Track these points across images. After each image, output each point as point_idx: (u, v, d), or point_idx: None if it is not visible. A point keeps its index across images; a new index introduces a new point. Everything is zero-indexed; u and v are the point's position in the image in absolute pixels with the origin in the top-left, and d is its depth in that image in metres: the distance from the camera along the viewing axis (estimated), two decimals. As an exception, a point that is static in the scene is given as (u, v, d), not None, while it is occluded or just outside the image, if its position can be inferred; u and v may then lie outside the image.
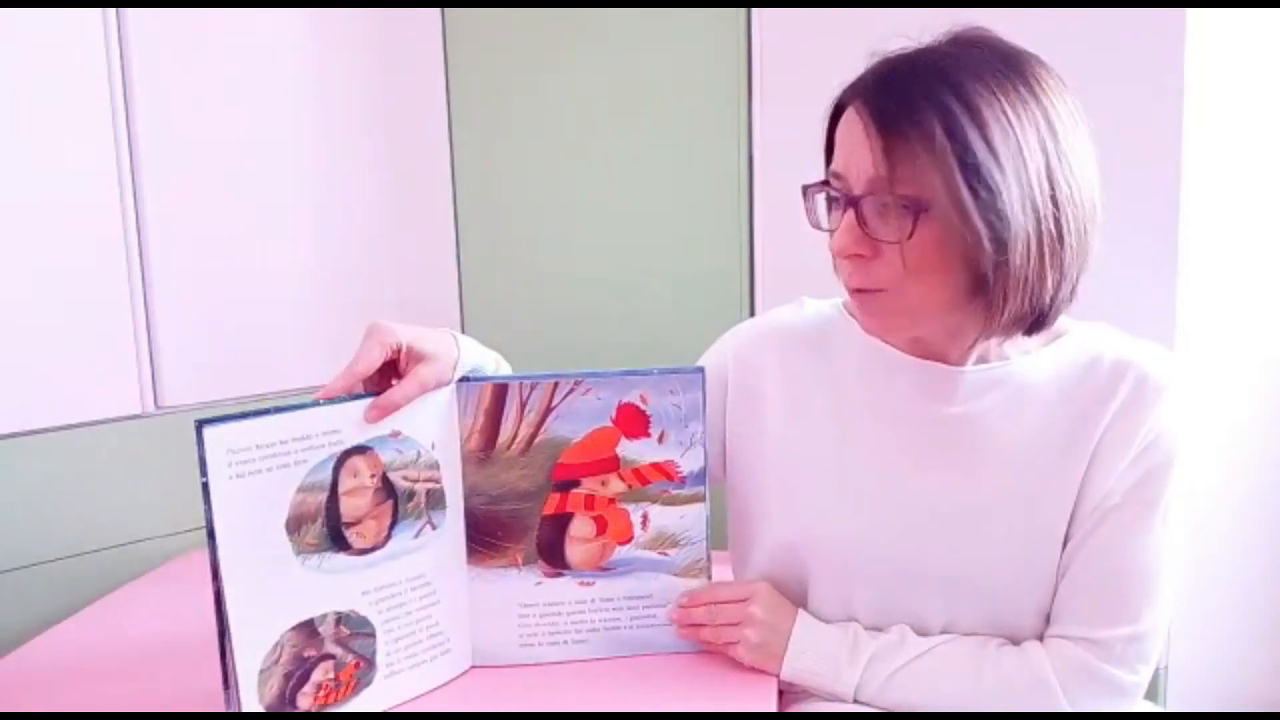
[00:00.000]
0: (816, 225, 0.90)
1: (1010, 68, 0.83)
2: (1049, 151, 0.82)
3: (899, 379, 0.93)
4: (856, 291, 0.87)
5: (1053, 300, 0.84)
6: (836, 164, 0.87)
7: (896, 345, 0.94)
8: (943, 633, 0.91)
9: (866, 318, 0.90)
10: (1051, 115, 0.82)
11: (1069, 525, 0.89)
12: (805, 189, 0.90)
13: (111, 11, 1.24)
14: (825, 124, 0.89)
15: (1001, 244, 0.80)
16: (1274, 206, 1.32)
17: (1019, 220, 0.80)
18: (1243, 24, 1.25)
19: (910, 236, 0.81)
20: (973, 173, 0.79)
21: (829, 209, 0.89)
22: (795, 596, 0.96)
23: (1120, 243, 1.21)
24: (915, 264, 0.82)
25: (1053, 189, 0.81)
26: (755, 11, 1.41)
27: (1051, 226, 0.82)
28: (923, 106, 0.80)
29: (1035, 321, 0.86)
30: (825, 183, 0.88)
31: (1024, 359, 0.92)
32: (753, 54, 1.42)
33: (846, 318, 0.99)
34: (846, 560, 0.93)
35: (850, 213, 0.84)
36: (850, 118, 0.85)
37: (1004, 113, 0.80)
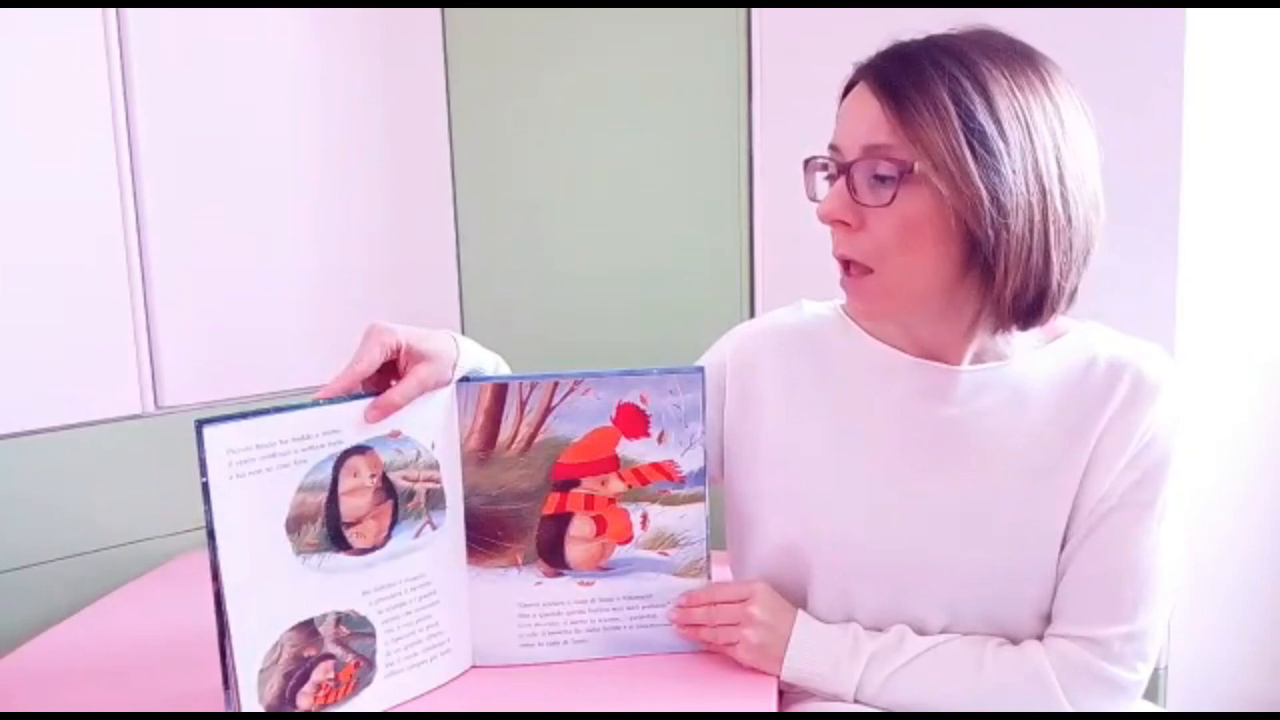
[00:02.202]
0: (813, 197, 0.90)
1: (1023, 58, 0.84)
2: (1057, 136, 0.82)
3: (897, 380, 0.93)
4: (846, 268, 0.87)
5: (1059, 286, 0.83)
6: (835, 136, 0.88)
7: (895, 344, 0.94)
8: (942, 633, 0.91)
9: (854, 299, 0.89)
10: (1062, 108, 0.84)
11: (1067, 526, 0.89)
12: (806, 162, 0.91)
13: (111, 11, 1.24)
14: (838, 105, 0.90)
15: (1002, 209, 0.80)
16: (1274, 207, 1.32)
17: (1020, 189, 0.80)
18: (1243, 24, 1.25)
19: (892, 200, 0.82)
20: (976, 136, 0.79)
21: (828, 181, 0.89)
22: (794, 597, 0.96)
23: (1120, 242, 1.21)
24: (902, 233, 0.83)
25: (1060, 170, 0.82)
26: (755, 11, 1.41)
27: (1058, 205, 0.82)
28: (930, 74, 0.81)
29: (1034, 308, 0.84)
30: (825, 157, 0.89)
31: (1021, 359, 0.91)
32: (753, 54, 1.42)
33: (844, 319, 0.99)
34: (845, 561, 0.93)
35: (841, 180, 0.85)
36: (856, 91, 0.86)
37: (1012, 91, 0.82)
